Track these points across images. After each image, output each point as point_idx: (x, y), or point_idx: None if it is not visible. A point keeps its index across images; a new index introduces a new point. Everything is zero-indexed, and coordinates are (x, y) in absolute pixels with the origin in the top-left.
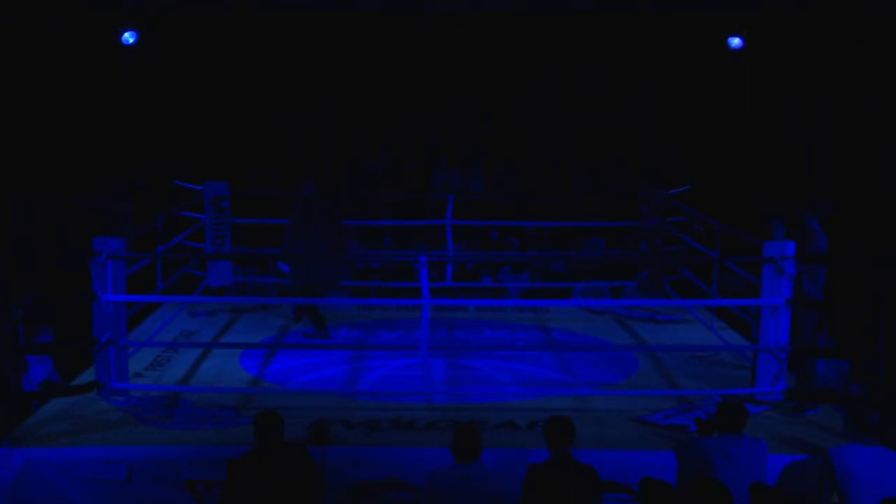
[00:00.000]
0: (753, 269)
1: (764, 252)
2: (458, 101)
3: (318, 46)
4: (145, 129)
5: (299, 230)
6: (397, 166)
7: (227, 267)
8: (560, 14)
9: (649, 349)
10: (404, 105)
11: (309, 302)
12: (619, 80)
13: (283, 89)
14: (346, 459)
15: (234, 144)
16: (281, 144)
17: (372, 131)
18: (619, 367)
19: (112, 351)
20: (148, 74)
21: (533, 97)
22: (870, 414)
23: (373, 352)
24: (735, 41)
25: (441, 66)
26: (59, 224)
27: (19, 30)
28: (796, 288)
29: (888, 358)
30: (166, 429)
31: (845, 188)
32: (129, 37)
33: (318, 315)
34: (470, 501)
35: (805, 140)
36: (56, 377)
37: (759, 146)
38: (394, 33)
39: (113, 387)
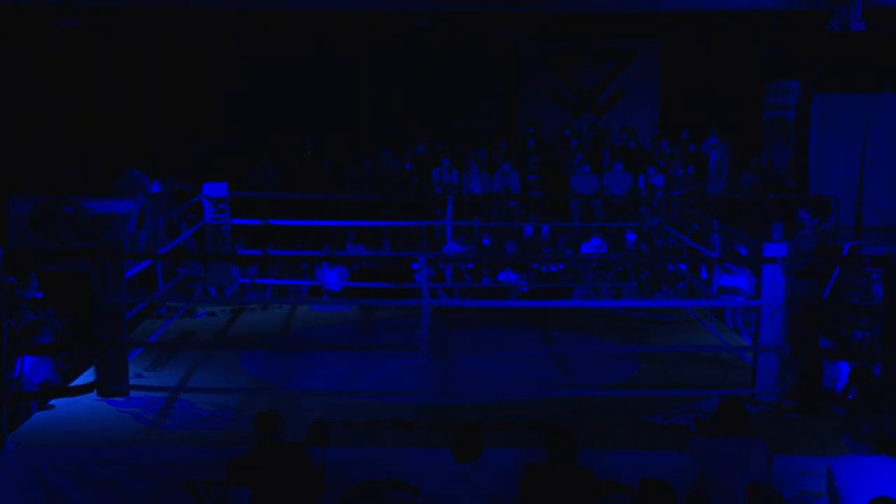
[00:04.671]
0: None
1: (764, 252)
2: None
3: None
4: None
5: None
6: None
7: (227, 267)
8: None
9: (649, 349)
10: None
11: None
12: None
13: None
14: (346, 459)
15: None
16: None
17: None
18: (619, 367)
19: (112, 351)
20: None
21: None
22: (863, 423)
23: (373, 352)
24: None
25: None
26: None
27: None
28: (798, 289)
29: (887, 358)
30: (166, 429)
31: None
32: None
33: None
34: (470, 501)
35: None
36: (56, 378)
37: None
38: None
39: (113, 387)
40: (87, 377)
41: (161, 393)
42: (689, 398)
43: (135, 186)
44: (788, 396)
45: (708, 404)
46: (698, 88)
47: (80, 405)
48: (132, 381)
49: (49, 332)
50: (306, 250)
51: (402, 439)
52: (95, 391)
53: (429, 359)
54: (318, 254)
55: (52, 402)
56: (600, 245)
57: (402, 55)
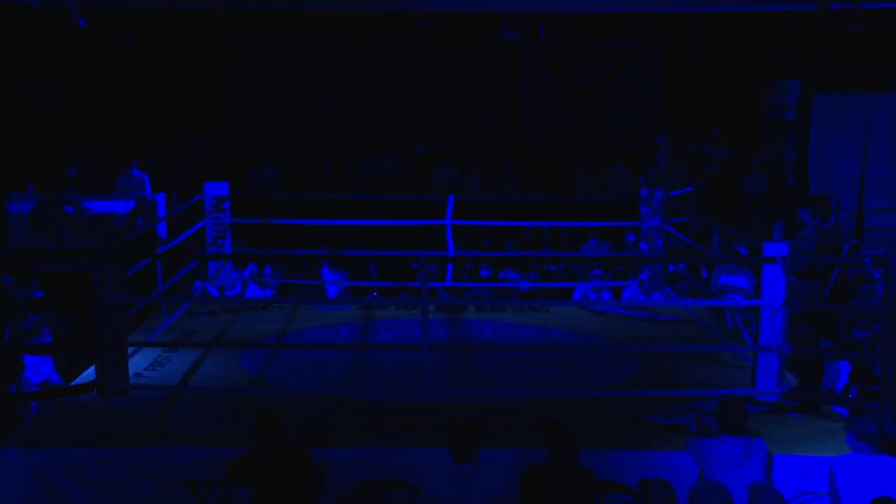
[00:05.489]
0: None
1: (764, 252)
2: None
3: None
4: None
5: None
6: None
7: (226, 268)
8: None
9: (649, 349)
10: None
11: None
12: None
13: None
14: (346, 459)
15: None
16: None
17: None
18: (619, 367)
19: (112, 351)
20: None
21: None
22: (864, 423)
23: (373, 352)
24: None
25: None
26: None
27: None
28: (798, 289)
29: (887, 358)
30: (166, 429)
31: None
32: None
33: None
34: (470, 501)
35: None
36: (56, 377)
37: None
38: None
39: (113, 387)
40: (87, 377)
41: (161, 393)
42: (689, 398)
43: (135, 186)
44: (788, 396)
45: (708, 404)
46: (698, 88)
47: (80, 405)
48: (132, 381)
49: (49, 332)
50: (307, 250)
51: (402, 439)
52: (95, 391)
53: (429, 359)
54: (319, 253)
55: (52, 401)
56: (599, 245)
57: (402, 55)
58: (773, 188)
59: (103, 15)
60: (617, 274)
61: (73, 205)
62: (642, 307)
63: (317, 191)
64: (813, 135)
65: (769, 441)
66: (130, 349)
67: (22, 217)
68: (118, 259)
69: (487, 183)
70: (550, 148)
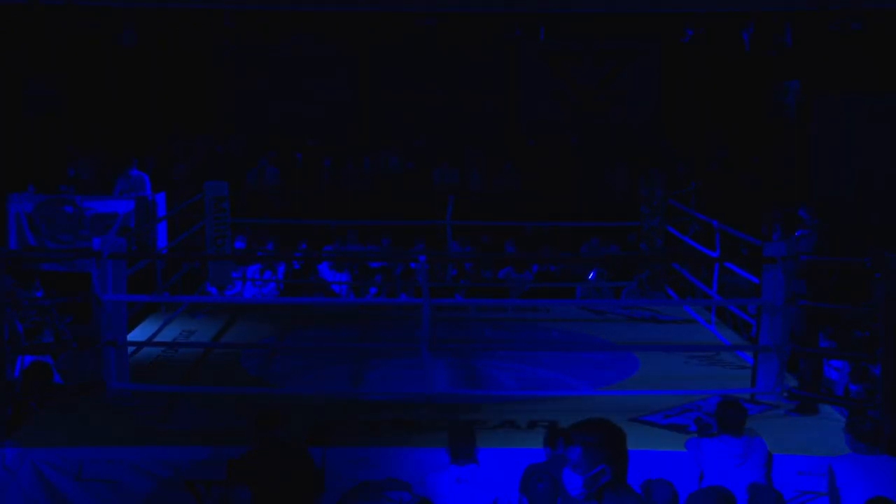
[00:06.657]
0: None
1: (764, 252)
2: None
3: None
4: None
5: None
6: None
7: (227, 267)
8: None
9: (649, 349)
10: None
11: None
12: None
13: None
14: (346, 459)
15: None
16: None
17: None
18: (619, 367)
19: (112, 351)
20: None
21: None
22: (863, 423)
23: (373, 352)
24: None
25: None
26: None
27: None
28: (798, 289)
29: (887, 358)
30: (166, 429)
31: None
32: None
33: None
34: (469, 501)
35: None
36: (56, 377)
37: None
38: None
39: (113, 387)
40: (87, 377)
41: (161, 393)
42: (689, 398)
43: (135, 186)
44: (788, 396)
45: (708, 404)
46: (698, 88)
47: (80, 405)
48: (132, 381)
49: (50, 333)
50: (307, 249)
51: (402, 439)
52: (95, 391)
53: (429, 358)
54: (317, 252)
55: (52, 401)
56: (599, 245)
57: (403, 55)
58: (773, 188)
59: (103, 15)
60: (617, 274)
61: (73, 205)
62: (642, 307)
63: (317, 190)
64: (813, 135)
65: (769, 441)
66: (130, 349)
67: (22, 217)
68: (118, 259)
69: (487, 183)
70: (550, 148)
